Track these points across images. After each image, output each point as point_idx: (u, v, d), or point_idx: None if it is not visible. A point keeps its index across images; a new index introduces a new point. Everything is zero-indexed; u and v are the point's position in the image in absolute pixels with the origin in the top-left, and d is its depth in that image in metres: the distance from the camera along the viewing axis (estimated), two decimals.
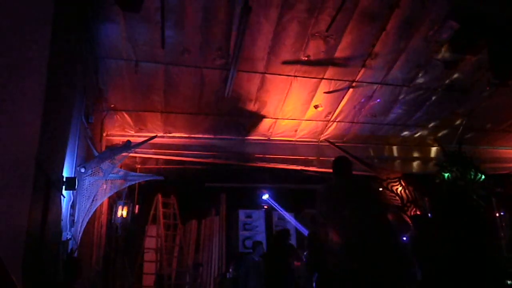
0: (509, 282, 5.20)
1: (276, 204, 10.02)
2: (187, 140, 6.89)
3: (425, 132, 7.48)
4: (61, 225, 3.85)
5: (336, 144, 7.15)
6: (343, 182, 3.92)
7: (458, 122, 7.19)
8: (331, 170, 4.08)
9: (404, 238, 6.13)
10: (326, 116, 6.75)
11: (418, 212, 6.41)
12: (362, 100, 6.39)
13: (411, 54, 5.47)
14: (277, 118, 6.69)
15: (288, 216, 10.08)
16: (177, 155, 6.85)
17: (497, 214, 8.13)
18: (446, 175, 6.36)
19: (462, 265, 4.15)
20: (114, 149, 5.17)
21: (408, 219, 6.35)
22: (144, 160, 7.31)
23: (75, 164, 4.30)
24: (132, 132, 6.56)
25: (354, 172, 6.96)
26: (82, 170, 4.41)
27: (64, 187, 3.74)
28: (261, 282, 6.61)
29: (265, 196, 10.02)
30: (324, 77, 5.82)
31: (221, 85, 5.71)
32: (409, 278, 4.74)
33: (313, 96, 6.17)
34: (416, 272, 4.79)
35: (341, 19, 4.73)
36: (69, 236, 4.05)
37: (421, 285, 4.71)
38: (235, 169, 7.61)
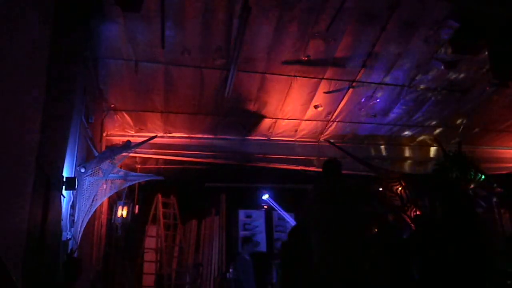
0: (509, 282, 5.20)
1: (276, 204, 10.02)
2: (187, 140, 6.90)
3: (425, 132, 7.49)
4: (61, 225, 3.85)
5: (336, 144, 7.15)
6: (330, 187, 3.97)
7: (458, 122, 7.19)
8: None
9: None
10: (326, 116, 6.75)
11: (418, 212, 6.40)
12: (362, 100, 6.39)
13: (411, 54, 5.47)
14: (277, 118, 6.69)
15: (288, 216, 10.08)
16: (177, 155, 6.86)
17: (497, 214, 8.13)
18: (446, 175, 6.35)
19: (462, 265, 4.15)
20: (114, 149, 5.17)
21: (408, 219, 6.35)
22: (144, 160, 7.31)
23: (75, 164, 4.30)
24: (132, 132, 6.57)
25: (354, 173, 7.02)
26: (82, 170, 4.41)
27: (64, 187, 3.74)
28: (252, 280, 6.51)
29: (265, 196, 10.02)
30: (324, 77, 5.81)
31: (221, 85, 5.71)
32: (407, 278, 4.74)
33: (313, 96, 6.17)
34: (414, 272, 4.79)
35: (341, 19, 4.73)
36: (69, 236, 4.05)
37: (420, 285, 4.71)
38: (235, 169, 7.61)
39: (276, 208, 10.08)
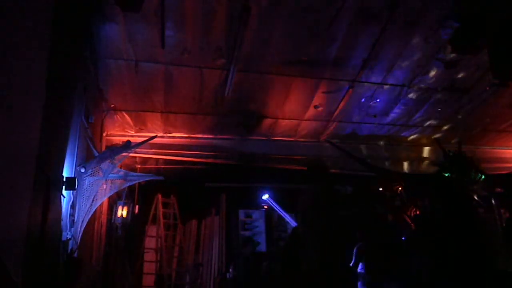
0: (509, 282, 5.20)
1: (276, 204, 10.03)
2: (187, 140, 6.90)
3: (425, 132, 7.49)
4: (61, 225, 3.85)
5: (336, 144, 7.15)
6: (319, 191, 3.99)
7: (458, 122, 7.19)
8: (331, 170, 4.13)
9: (403, 238, 6.14)
10: (326, 116, 6.75)
11: (418, 212, 6.41)
12: (362, 100, 6.39)
13: (411, 54, 5.46)
14: (277, 118, 6.69)
15: (288, 216, 10.09)
16: (177, 155, 6.86)
17: (497, 214, 8.12)
18: (446, 175, 6.35)
19: (462, 265, 4.15)
20: (114, 149, 5.17)
21: (408, 219, 6.36)
22: (144, 160, 7.31)
23: (75, 164, 4.30)
24: (132, 132, 6.57)
25: (354, 173, 7.01)
26: (82, 170, 4.41)
27: (64, 187, 3.74)
28: (253, 280, 6.51)
29: (265, 196, 10.03)
30: (324, 77, 5.81)
31: (221, 85, 5.71)
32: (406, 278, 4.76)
33: (313, 96, 6.17)
34: (413, 272, 4.79)
35: (341, 19, 4.72)
36: (69, 236, 4.05)
37: (420, 285, 4.71)
38: (235, 169, 7.62)
39: (276, 208, 10.09)
